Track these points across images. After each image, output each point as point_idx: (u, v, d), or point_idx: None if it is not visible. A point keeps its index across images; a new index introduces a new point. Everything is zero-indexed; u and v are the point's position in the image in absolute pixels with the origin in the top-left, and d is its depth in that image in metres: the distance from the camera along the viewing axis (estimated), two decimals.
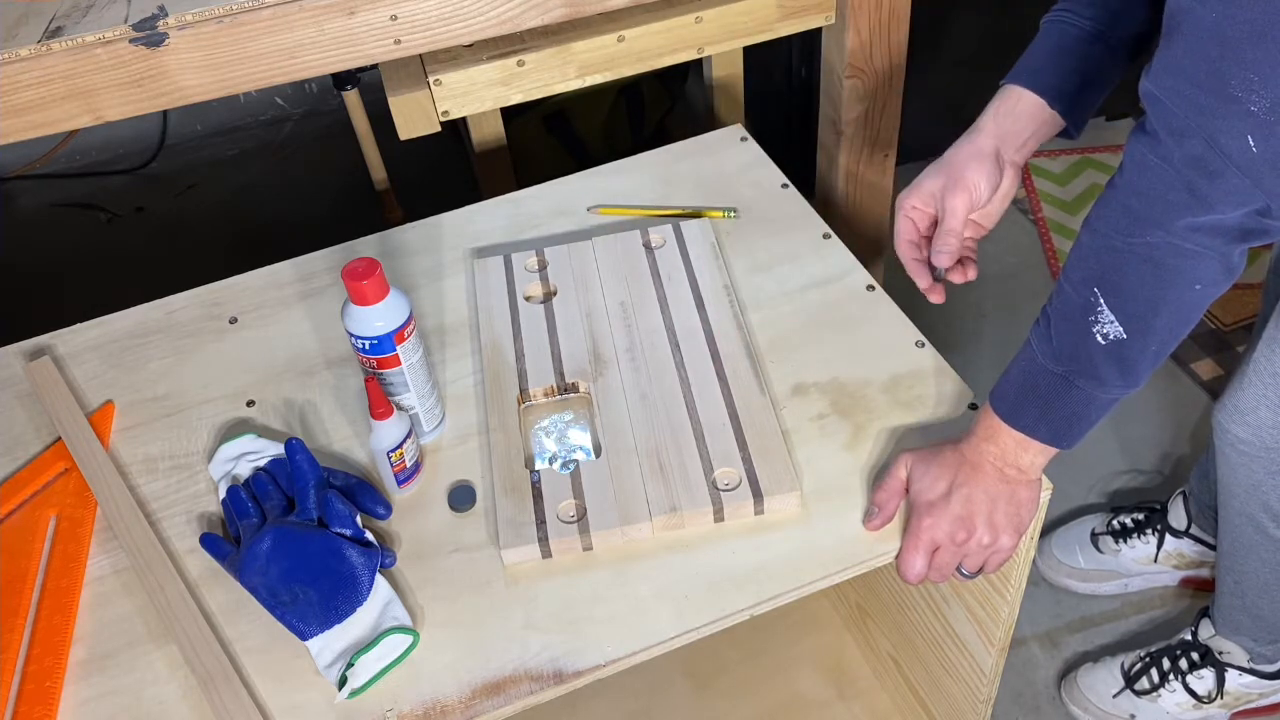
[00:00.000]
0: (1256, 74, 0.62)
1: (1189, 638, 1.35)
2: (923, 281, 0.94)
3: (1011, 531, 0.83)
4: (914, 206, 0.93)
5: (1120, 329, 0.74)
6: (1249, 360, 1.06)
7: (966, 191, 0.89)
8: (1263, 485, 1.09)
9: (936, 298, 0.94)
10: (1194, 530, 1.45)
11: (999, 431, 0.80)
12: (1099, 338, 0.74)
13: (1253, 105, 0.63)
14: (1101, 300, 0.73)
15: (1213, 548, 1.46)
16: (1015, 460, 0.81)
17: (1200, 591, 1.50)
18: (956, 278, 0.93)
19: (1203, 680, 1.32)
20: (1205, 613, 1.35)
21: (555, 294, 1.05)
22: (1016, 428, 0.80)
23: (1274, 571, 1.18)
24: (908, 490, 0.84)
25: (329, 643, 0.79)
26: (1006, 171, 0.90)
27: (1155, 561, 1.48)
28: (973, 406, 0.92)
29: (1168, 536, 1.46)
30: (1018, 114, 0.90)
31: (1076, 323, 0.75)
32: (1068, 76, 0.89)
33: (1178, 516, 1.46)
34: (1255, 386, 1.05)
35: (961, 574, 0.85)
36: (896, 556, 0.84)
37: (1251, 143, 0.64)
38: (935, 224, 0.93)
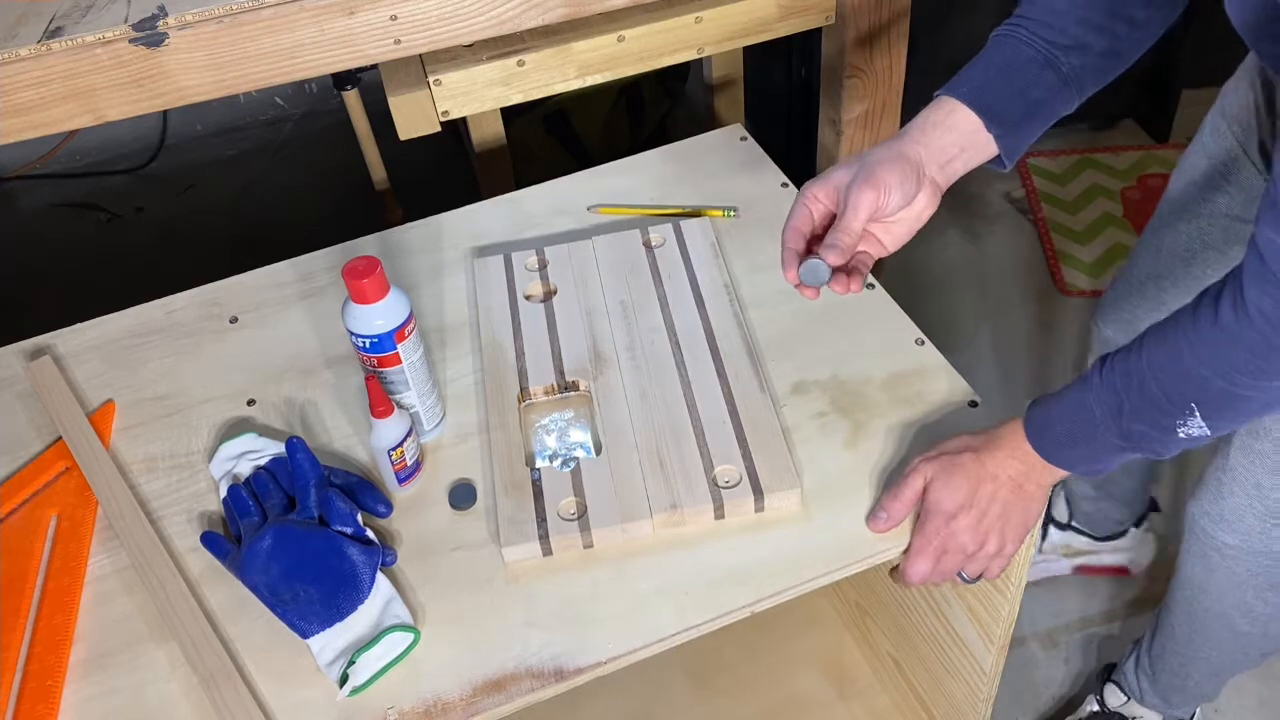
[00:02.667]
0: None
1: (1097, 708, 1.36)
2: (789, 273, 0.82)
3: (1017, 540, 0.83)
4: (815, 196, 0.83)
5: (1207, 432, 0.73)
6: (1225, 467, 1.03)
7: (875, 190, 0.79)
8: (1244, 584, 1.07)
9: (809, 294, 0.83)
10: (1075, 524, 1.48)
11: (1031, 457, 0.80)
12: (1180, 434, 0.74)
13: None
14: (1197, 414, 0.72)
15: (1096, 538, 1.50)
16: (1039, 479, 0.81)
17: (1095, 576, 1.55)
18: (838, 287, 0.81)
19: None
20: (1108, 675, 1.37)
21: (555, 293, 1.05)
22: (1054, 463, 0.80)
23: (1229, 656, 1.18)
24: (922, 498, 0.84)
25: (330, 641, 0.79)
26: (925, 188, 0.81)
27: (1040, 552, 1.50)
28: (973, 404, 0.92)
29: (1051, 528, 1.49)
30: (949, 127, 0.81)
31: (1159, 423, 0.74)
32: (1012, 100, 0.82)
33: (1059, 508, 1.49)
34: (1238, 496, 1.02)
35: (961, 578, 0.85)
36: (904, 557, 0.84)
37: None
38: (834, 219, 0.83)
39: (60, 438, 0.98)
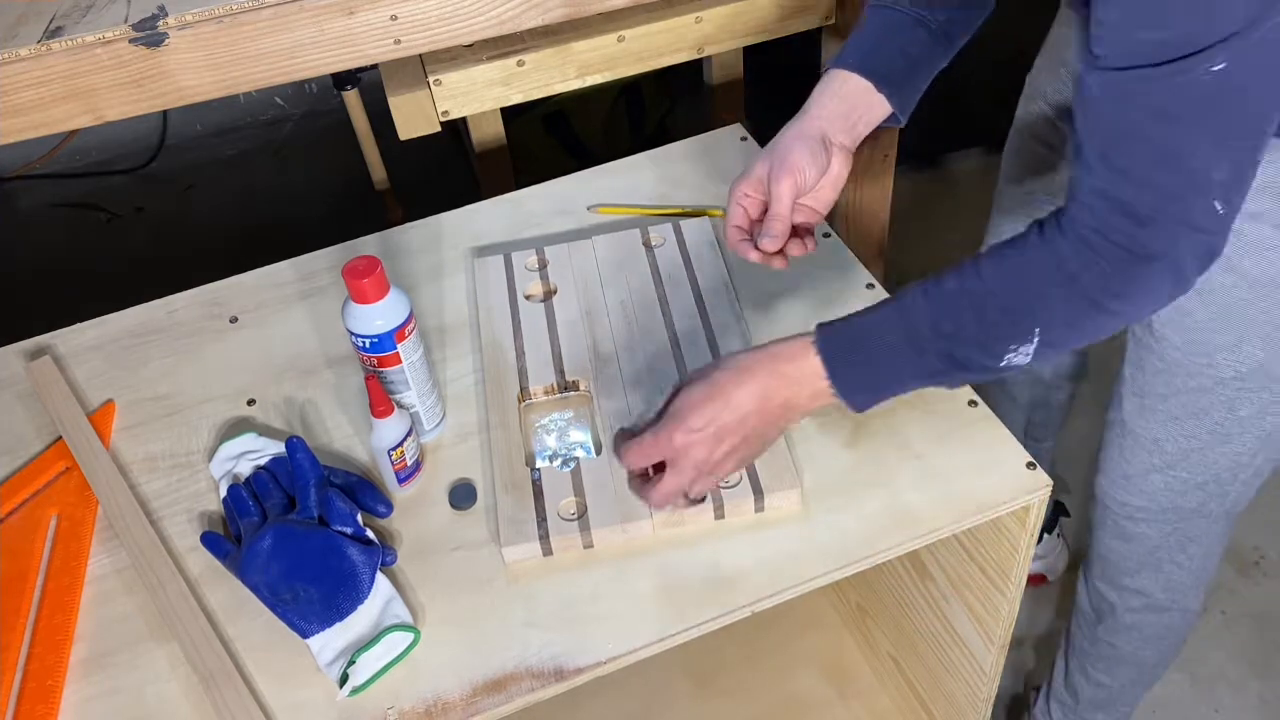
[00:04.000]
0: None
1: None
2: (752, 255, 0.89)
3: (745, 465, 0.80)
4: (745, 194, 0.90)
5: (1029, 359, 0.73)
6: (1124, 432, 1.05)
7: (792, 175, 0.86)
8: (1159, 547, 1.09)
9: (779, 263, 0.89)
10: None
11: (806, 377, 0.77)
12: (1005, 360, 0.73)
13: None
14: (1036, 336, 0.72)
15: None
16: (804, 404, 0.78)
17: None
18: (795, 250, 0.89)
19: None
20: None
21: (555, 293, 1.05)
22: (840, 385, 0.76)
23: (1148, 645, 1.19)
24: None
25: (330, 640, 0.79)
26: (835, 155, 0.89)
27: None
28: (972, 404, 0.92)
29: None
30: (844, 95, 0.89)
31: (990, 347, 0.73)
32: (893, 59, 0.90)
33: None
34: (1140, 456, 1.03)
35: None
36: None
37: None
38: (767, 209, 0.90)
39: (60, 438, 0.98)
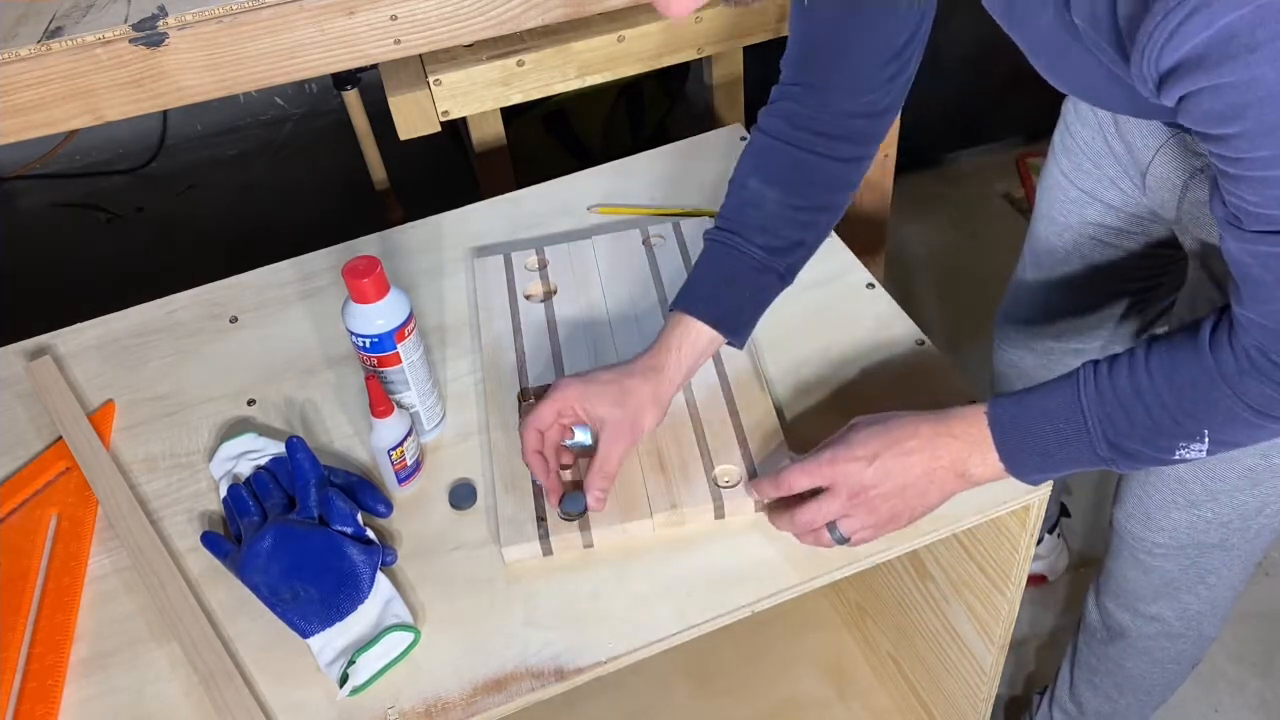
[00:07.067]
0: None
1: None
2: (553, 499, 0.85)
3: (909, 524, 0.81)
4: (574, 414, 0.85)
5: (1203, 454, 0.73)
6: (1147, 468, 1.03)
7: (634, 437, 0.85)
8: (1176, 580, 1.08)
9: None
10: None
11: (978, 450, 0.78)
12: (1176, 455, 0.74)
13: None
14: (1207, 437, 0.73)
15: None
16: (973, 475, 0.79)
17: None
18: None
19: None
20: None
21: (555, 293, 1.05)
22: (1010, 465, 0.78)
23: (1160, 669, 1.18)
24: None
25: (330, 640, 0.79)
26: (670, 400, 0.89)
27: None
28: (973, 404, 0.92)
29: None
30: (700, 349, 0.89)
31: (1157, 442, 0.74)
32: (742, 309, 0.91)
33: None
34: (1162, 493, 1.02)
35: (831, 533, 0.81)
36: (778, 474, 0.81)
37: None
38: (563, 433, 0.87)
39: (60, 438, 0.98)
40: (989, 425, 0.79)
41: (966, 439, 0.79)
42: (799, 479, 0.80)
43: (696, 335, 0.89)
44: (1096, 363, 0.76)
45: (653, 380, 0.87)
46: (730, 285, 0.91)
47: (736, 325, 0.91)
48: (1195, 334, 0.72)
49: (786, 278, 0.93)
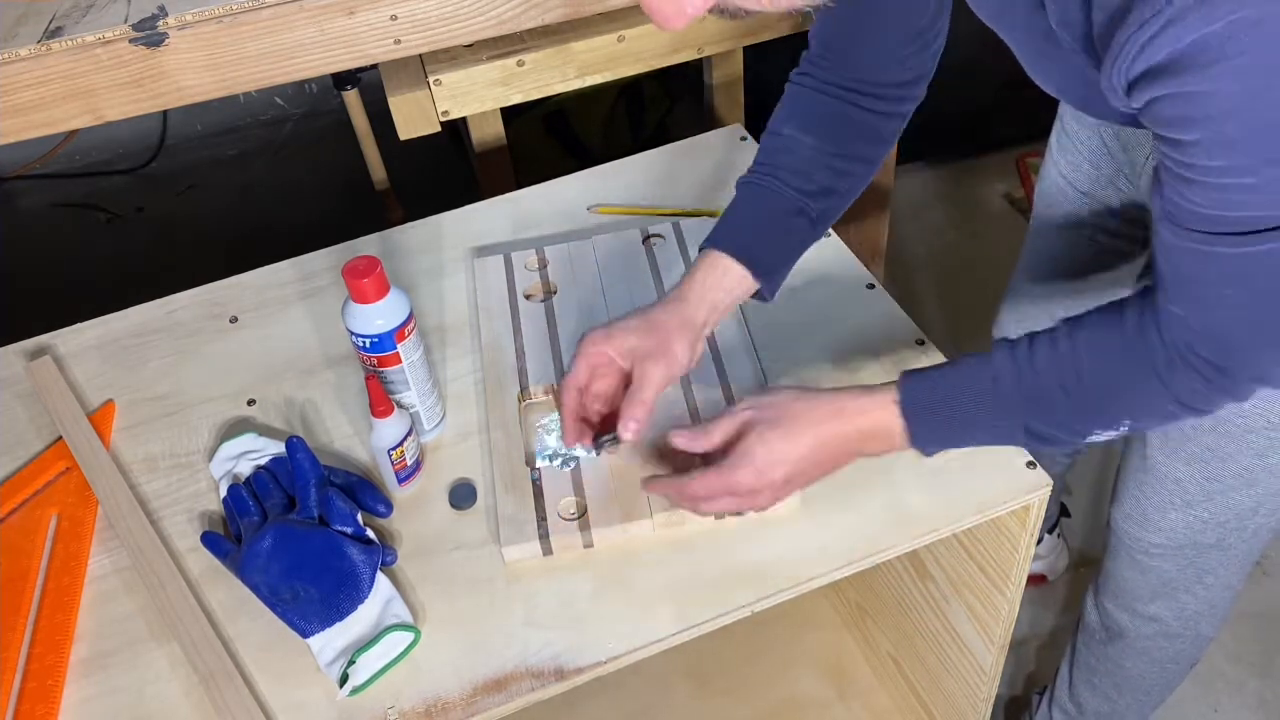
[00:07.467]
0: None
1: None
2: (585, 439, 0.86)
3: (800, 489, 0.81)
4: (601, 353, 0.85)
5: (1114, 438, 0.74)
6: (1145, 467, 1.03)
7: (668, 364, 0.83)
8: (1174, 581, 1.08)
9: (593, 450, 0.87)
10: None
11: (885, 430, 0.77)
12: (1090, 438, 0.75)
13: None
14: (1126, 425, 0.73)
15: None
16: (874, 449, 0.79)
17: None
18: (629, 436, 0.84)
19: None
20: None
21: (555, 292, 1.05)
22: (922, 445, 0.77)
23: (1158, 668, 1.18)
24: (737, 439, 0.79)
25: (330, 640, 0.79)
26: (702, 338, 0.87)
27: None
28: None
29: None
30: (727, 287, 0.87)
31: (1073, 428, 0.74)
32: (774, 249, 0.89)
33: None
34: (1160, 493, 1.02)
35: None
36: (679, 478, 0.80)
37: None
38: (609, 378, 0.86)
39: (60, 438, 0.98)
40: (901, 415, 0.77)
41: (873, 433, 0.78)
42: (701, 490, 0.79)
43: (724, 271, 0.87)
44: (1012, 344, 0.75)
45: (676, 309, 0.86)
46: (761, 224, 0.89)
47: (766, 266, 0.88)
48: (1120, 322, 0.72)
49: (819, 225, 0.91)
